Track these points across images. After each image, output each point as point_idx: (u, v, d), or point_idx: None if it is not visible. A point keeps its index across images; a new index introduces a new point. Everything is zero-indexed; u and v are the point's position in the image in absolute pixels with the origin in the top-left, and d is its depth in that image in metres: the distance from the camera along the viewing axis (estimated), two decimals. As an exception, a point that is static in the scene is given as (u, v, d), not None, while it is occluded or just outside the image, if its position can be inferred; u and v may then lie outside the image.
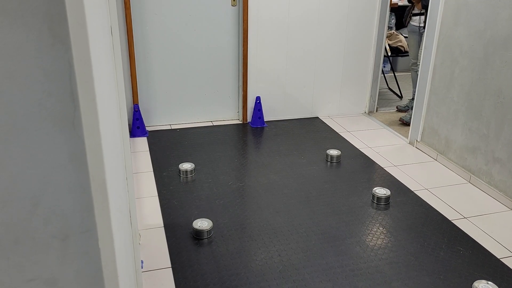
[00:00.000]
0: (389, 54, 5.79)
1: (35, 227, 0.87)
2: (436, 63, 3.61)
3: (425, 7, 4.08)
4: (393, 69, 5.90)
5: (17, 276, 0.89)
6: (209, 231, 2.57)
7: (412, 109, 4.58)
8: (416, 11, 4.38)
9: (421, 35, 4.31)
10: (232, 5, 4.12)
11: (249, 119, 4.42)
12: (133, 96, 4.04)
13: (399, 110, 4.83)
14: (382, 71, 4.94)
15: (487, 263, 2.39)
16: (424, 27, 4.19)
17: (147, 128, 4.16)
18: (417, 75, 4.50)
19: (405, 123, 4.41)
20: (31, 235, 0.87)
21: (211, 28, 4.14)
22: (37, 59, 0.78)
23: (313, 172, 3.38)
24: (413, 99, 4.65)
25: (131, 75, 3.97)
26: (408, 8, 4.49)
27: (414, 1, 4.32)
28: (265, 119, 4.42)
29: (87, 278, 0.93)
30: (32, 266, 0.89)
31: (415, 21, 4.41)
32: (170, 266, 2.32)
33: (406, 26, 4.58)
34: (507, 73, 2.92)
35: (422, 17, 4.25)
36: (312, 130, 4.28)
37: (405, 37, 5.89)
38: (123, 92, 1.61)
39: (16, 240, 0.87)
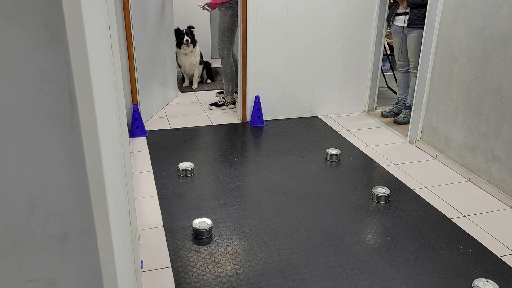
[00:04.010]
0: (388, 52, 5.79)
1: (33, 227, 0.87)
2: (435, 62, 3.61)
3: (412, 4, 4.01)
4: (392, 68, 5.89)
5: (16, 277, 0.89)
6: (208, 231, 2.57)
7: (397, 113, 4.57)
8: (400, 10, 4.18)
9: (405, 35, 4.20)
10: None
11: (248, 118, 4.42)
12: (132, 96, 4.04)
13: (384, 115, 4.63)
14: (381, 69, 4.94)
15: (487, 261, 2.39)
16: (408, 26, 4.12)
17: (146, 128, 4.16)
18: (404, 77, 4.48)
19: (400, 124, 4.41)
20: (30, 235, 0.87)
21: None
22: (34, 59, 0.78)
23: (313, 171, 3.38)
24: (397, 103, 4.64)
25: (130, 75, 3.97)
26: (392, 7, 4.30)
27: (398, 0, 4.13)
28: (265, 118, 4.42)
29: (86, 278, 0.93)
30: (30, 267, 0.89)
31: (399, 21, 4.22)
32: (170, 265, 2.32)
33: (390, 27, 4.41)
34: (506, 71, 2.92)
35: (407, 17, 4.08)
36: (312, 129, 4.27)
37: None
38: (122, 92, 1.61)
39: (15, 241, 0.86)
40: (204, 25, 6.17)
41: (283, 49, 4.28)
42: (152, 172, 3.33)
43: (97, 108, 0.85)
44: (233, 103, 4.78)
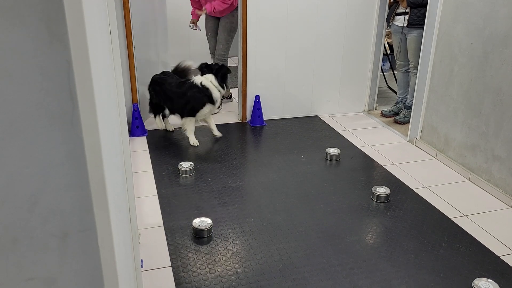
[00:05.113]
0: (388, 52, 5.78)
1: (33, 226, 0.87)
2: (435, 61, 3.61)
3: (412, 4, 4.01)
4: (392, 68, 5.89)
5: (16, 275, 0.89)
6: (208, 230, 2.56)
7: (397, 113, 4.56)
8: (400, 10, 4.18)
9: (405, 35, 4.20)
10: None
11: (248, 118, 4.41)
12: (132, 96, 4.03)
13: (384, 115, 4.62)
14: (381, 69, 4.93)
15: (487, 260, 2.39)
16: (407, 26, 4.12)
17: (146, 127, 4.16)
18: (404, 76, 4.48)
19: (400, 123, 4.41)
20: (30, 234, 0.87)
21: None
22: (35, 58, 0.78)
23: (313, 171, 3.38)
24: (397, 103, 4.64)
25: (130, 74, 3.96)
26: (392, 7, 4.29)
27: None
28: (265, 118, 4.42)
29: (86, 277, 0.93)
30: (31, 265, 0.89)
31: (398, 21, 4.21)
32: (170, 265, 2.32)
33: (389, 26, 4.40)
34: (506, 71, 2.92)
35: (407, 16, 4.08)
36: (312, 128, 4.27)
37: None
38: (122, 91, 1.61)
39: (15, 239, 0.86)
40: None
41: (283, 49, 4.28)
42: (152, 172, 3.33)
43: (98, 106, 0.85)
44: (229, 97, 4.77)
